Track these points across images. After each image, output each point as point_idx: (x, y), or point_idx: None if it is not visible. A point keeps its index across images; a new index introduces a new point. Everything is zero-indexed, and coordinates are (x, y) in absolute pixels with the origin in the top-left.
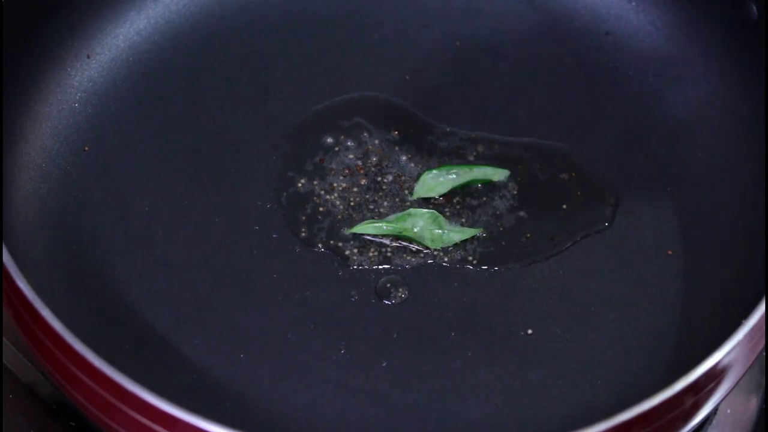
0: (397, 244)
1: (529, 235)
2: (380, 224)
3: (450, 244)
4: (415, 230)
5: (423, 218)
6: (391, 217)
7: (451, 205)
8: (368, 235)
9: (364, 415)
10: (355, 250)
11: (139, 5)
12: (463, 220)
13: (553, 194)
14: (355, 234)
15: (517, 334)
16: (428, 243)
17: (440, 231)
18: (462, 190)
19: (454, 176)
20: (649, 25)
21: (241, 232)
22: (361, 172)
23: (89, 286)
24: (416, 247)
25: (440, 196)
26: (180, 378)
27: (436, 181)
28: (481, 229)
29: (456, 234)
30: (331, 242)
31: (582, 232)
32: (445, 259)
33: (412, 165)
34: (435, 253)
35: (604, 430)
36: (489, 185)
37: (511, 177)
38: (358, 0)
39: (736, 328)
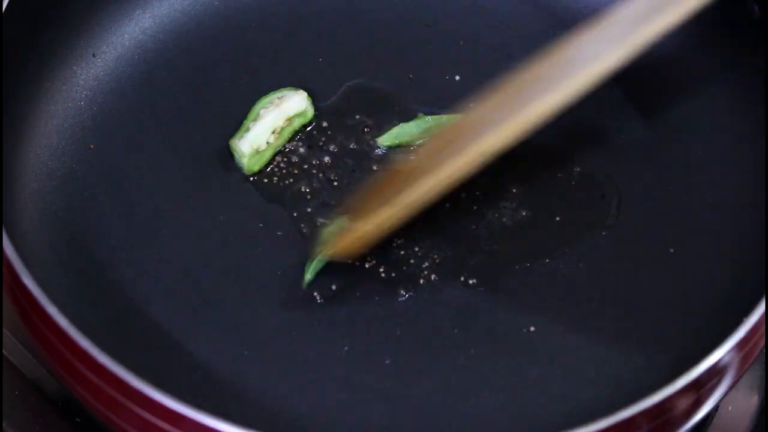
0: (402, 242)
1: (531, 233)
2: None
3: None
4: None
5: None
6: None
7: (454, 202)
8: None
9: (367, 411)
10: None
11: (144, 4)
12: (467, 217)
13: (554, 193)
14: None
15: (519, 332)
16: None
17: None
18: (464, 189)
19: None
20: None
21: (245, 229)
22: (365, 169)
23: (94, 283)
24: (420, 245)
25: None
26: (184, 375)
27: (410, 130)
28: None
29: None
30: None
31: (584, 230)
32: (449, 257)
33: None
34: (439, 251)
35: (605, 427)
36: (491, 185)
37: (513, 176)
38: None
39: (737, 326)
